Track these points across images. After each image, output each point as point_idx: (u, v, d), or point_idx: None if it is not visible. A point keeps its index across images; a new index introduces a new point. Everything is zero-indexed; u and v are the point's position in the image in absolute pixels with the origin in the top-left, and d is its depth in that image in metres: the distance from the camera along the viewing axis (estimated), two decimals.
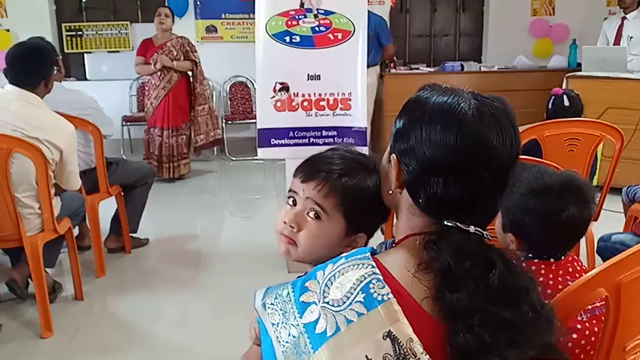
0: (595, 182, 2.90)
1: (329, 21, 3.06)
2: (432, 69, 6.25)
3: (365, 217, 1.10)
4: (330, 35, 3.05)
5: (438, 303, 0.83)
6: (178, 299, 3.02)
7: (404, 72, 6.04)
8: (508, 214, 1.36)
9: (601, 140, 2.62)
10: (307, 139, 3.14)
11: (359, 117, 3.15)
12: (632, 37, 5.05)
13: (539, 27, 7.03)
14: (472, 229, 0.88)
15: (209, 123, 5.57)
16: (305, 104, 3.10)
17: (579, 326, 1.23)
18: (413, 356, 0.79)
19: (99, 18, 6.83)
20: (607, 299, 1.07)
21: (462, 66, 6.02)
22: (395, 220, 1.11)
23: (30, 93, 2.54)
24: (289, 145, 3.13)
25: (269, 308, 0.91)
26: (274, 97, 3.08)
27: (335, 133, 3.14)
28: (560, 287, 1.28)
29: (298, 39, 3.03)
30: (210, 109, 5.63)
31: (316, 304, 0.84)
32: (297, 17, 3.03)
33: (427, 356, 0.79)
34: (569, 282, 1.28)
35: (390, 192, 0.96)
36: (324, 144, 3.12)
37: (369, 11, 3.32)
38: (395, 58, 6.11)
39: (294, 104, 3.09)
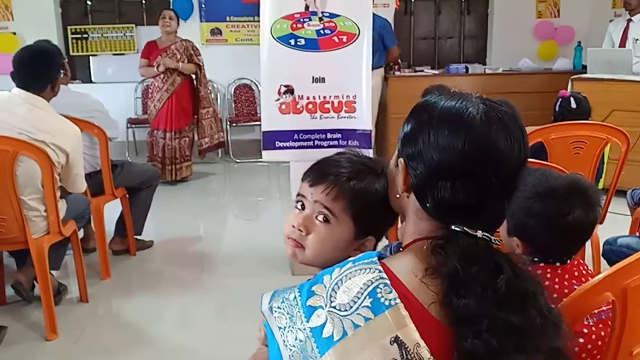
0: (601, 185, 2.89)
1: (333, 24, 3.06)
2: (436, 72, 6.25)
3: (374, 220, 1.10)
4: (335, 38, 3.05)
5: (445, 308, 0.83)
6: (182, 301, 3.03)
7: (408, 75, 6.03)
8: (513, 218, 1.35)
9: (607, 143, 2.61)
10: (312, 142, 3.14)
11: (364, 119, 3.15)
12: (637, 40, 5.03)
13: (543, 29, 7.02)
14: (479, 233, 0.88)
15: (213, 126, 5.58)
16: (310, 106, 3.10)
17: (585, 330, 1.23)
18: None
19: (105, 21, 6.86)
20: (613, 304, 1.07)
21: (467, 68, 6.01)
22: (399, 224, 1.11)
23: (37, 96, 2.55)
24: (294, 147, 3.14)
25: (275, 312, 0.91)
26: (278, 99, 3.09)
27: (339, 135, 3.15)
28: (566, 291, 1.28)
29: (303, 41, 3.04)
30: (214, 112, 5.64)
31: (323, 308, 0.84)
32: (302, 20, 3.04)
33: None
34: (575, 286, 1.28)
35: (398, 196, 0.96)
36: (329, 146, 3.12)
37: (373, 14, 3.32)
38: (399, 60, 6.11)
39: (298, 106, 3.09)
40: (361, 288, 0.83)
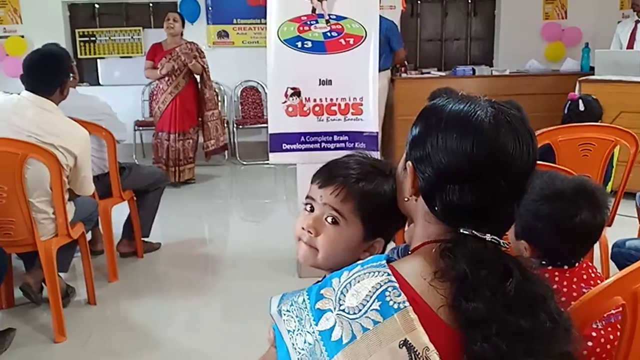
0: (610, 188, 2.88)
1: (340, 26, 3.06)
2: (443, 73, 6.23)
3: (383, 221, 1.10)
4: (342, 41, 3.06)
5: (454, 312, 0.83)
6: (189, 303, 3.03)
7: (415, 77, 6.02)
8: (520, 221, 1.35)
9: (615, 145, 2.60)
10: (319, 144, 3.14)
11: (371, 121, 3.15)
12: None
13: (551, 31, 7.00)
14: (488, 237, 0.87)
15: (218, 128, 5.60)
16: (317, 108, 3.10)
17: (594, 334, 1.22)
18: None
19: (112, 24, 6.90)
20: (623, 307, 1.06)
21: (474, 70, 6.00)
22: (406, 226, 1.11)
23: (46, 99, 2.57)
24: (301, 150, 3.14)
25: (284, 315, 0.91)
26: (285, 102, 3.09)
27: (346, 138, 3.14)
28: (574, 294, 1.27)
29: (310, 44, 3.04)
30: (219, 114, 5.65)
31: (332, 312, 0.84)
32: (308, 22, 3.04)
33: None
34: (584, 290, 1.27)
35: (406, 199, 0.96)
36: (336, 148, 3.12)
37: (379, 16, 3.32)
38: (406, 62, 6.11)
39: (305, 109, 3.09)
40: (370, 291, 0.83)
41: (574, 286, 1.30)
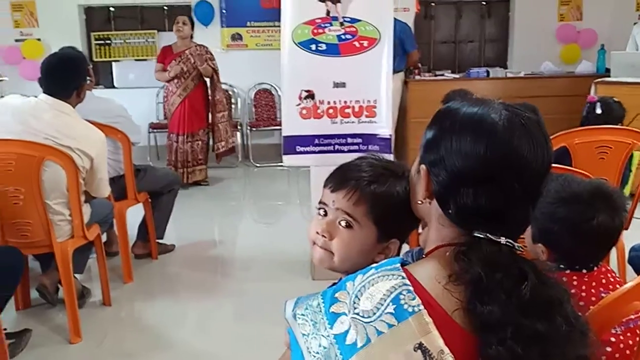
0: (627, 191, 2.84)
1: (354, 29, 3.06)
2: (457, 75, 6.21)
3: (397, 223, 1.10)
4: (356, 43, 3.05)
5: (469, 315, 0.82)
6: (203, 305, 3.04)
7: (428, 79, 6.01)
8: (537, 224, 1.34)
9: (632, 148, 2.57)
10: (332, 146, 3.14)
11: (384, 124, 3.15)
12: None
13: (566, 33, 6.95)
14: (503, 240, 0.87)
15: (228, 130, 5.63)
16: (331, 111, 3.10)
17: (613, 339, 1.21)
18: None
19: (127, 27, 6.95)
20: None
21: (488, 72, 5.97)
22: (420, 229, 1.11)
23: (63, 102, 2.59)
24: (314, 152, 3.14)
25: (299, 318, 0.91)
26: (299, 104, 3.09)
27: (360, 140, 3.14)
28: (593, 298, 1.26)
29: (324, 46, 3.04)
30: (229, 116, 5.68)
31: (346, 315, 0.84)
32: (323, 25, 3.04)
33: None
34: (602, 294, 1.26)
35: (420, 202, 0.96)
36: (349, 151, 3.12)
37: (393, 18, 3.31)
38: (419, 64, 6.09)
39: (319, 111, 3.10)
40: (384, 295, 0.82)
41: (592, 290, 1.29)
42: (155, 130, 6.53)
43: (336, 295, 0.88)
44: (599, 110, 2.90)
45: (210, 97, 5.48)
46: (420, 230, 1.13)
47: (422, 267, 0.88)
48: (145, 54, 6.88)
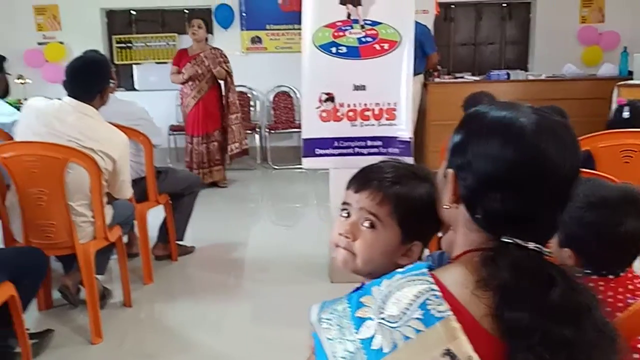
0: None
1: (375, 31, 3.05)
2: (477, 78, 6.18)
3: (420, 224, 1.10)
4: (377, 46, 3.05)
5: (497, 321, 0.81)
6: (222, 306, 3.05)
7: (448, 81, 5.99)
8: (564, 228, 1.32)
9: None
10: (352, 149, 3.14)
11: (404, 127, 3.13)
12: None
13: (588, 35, 6.88)
14: (531, 245, 0.86)
15: (242, 131, 5.66)
16: (351, 114, 3.10)
17: None
18: None
19: (148, 30, 7.02)
20: None
21: (508, 75, 5.93)
22: (440, 232, 1.10)
23: (87, 105, 2.62)
24: (334, 155, 3.14)
25: (324, 323, 0.90)
26: (319, 107, 3.10)
27: (380, 143, 3.13)
28: (619, 304, 1.24)
29: (344, 49, 3.04)
30: (244, 118, 5.71)
31: (372, 320, 0.83)
32: (343, 28, 3.04)
33: None
34: (630, 300, 1.24)
35: (447, 207, 0.95)
36: (369, 154, 3.11)
37: None
38: (439, 67, 6.07)
39: (339, 114, 3.10)
40: (411, 300, 0.82)
41: (619, 296, 1.27)
42: (175, 133, 6.58)
43: (362, 300, 0.87)
44: (626, 114, 2.86)
45: (224, 99, 5.52)
46: (439, 234, 1.13)
47: (449, 272, 0.87)
48: (165, 56, 6.94)
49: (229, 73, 5.42)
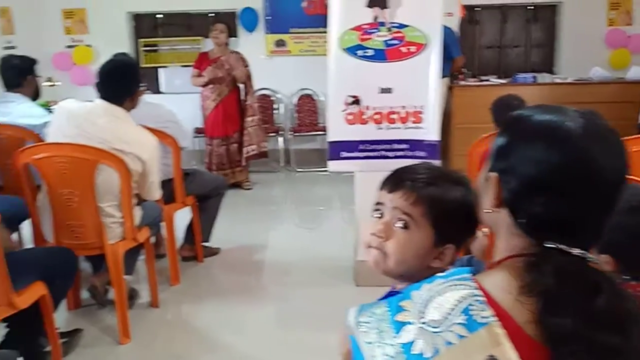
0: None
1: (402, 34, 3.04)
2: (503, 81, 6.12)
3: (453, 227, 1.09)
4: (403, 49, 3.03)
5: (541, 327, 0.80)
6: (247, 308, 3.06)
7: (473, 84, 5.94)
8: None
9: None
10: (378, 152, 3.12)
11: (431, 130, 3.11)
12: None
13: (615, 38, 6.78)
14: (575, 251, 0.84)
15: (259, 133, 5.68)
16: (377, 117, 3.09)
17: None
18: None
19: (174, 33, 7.09)
20: None
21: (535, 78, 5.86)
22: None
23: (118, 107, 2.66)
24: (360, 158, 3.13)
25: (362, 326, 0.90)
26: (345, 110, 3.09)
27: (406, 146, 3.11)
28: None
29: (371, 52, 3.03)
30: (260, 120, 5.73)
31: (412, 324, 0.83)
32: (370, 31, 3.03)
33: None
34: None
35: (489, 211, 0.94)
36: (395, 157, 3.09)
37: None
38: (464, 70, 6.03)
39: (365, 117, 3.09)
40: (454, 304, 0.81)
41: None
42: (200, 135, 6.62)
43: (401, 303, 0.86)
44: None
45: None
46: None
47: (491, 277, 0.86)
48: (191, 60, 6.91)
49: (248, 76, 5.46)
